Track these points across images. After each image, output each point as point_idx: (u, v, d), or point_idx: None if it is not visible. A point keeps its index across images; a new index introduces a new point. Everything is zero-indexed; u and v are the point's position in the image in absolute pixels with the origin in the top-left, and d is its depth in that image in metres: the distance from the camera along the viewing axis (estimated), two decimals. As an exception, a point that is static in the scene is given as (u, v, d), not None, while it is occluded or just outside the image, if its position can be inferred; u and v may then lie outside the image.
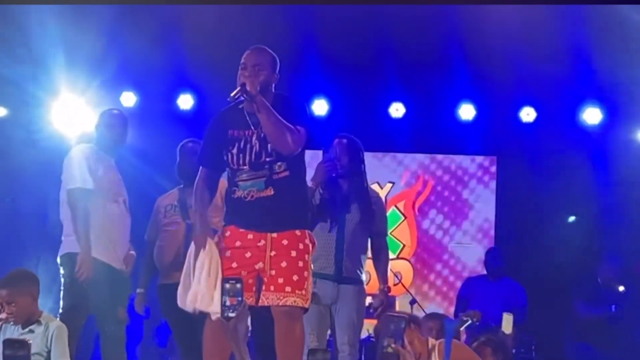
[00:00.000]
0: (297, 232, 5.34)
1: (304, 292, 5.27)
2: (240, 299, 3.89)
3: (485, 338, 5.54)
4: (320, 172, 6.67)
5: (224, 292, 3.90)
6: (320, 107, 10.56)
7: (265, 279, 5.25)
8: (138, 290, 7.22)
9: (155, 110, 10.48)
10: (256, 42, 5.57)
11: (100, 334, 6.83)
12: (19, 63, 9.26)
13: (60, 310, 6.78)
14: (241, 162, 5.38)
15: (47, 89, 9.57)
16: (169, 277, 6.79)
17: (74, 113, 9.83)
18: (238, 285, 3.92)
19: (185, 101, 10.60)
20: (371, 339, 8.69)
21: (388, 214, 10.89)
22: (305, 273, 5.29)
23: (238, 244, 5.32)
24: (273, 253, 5.27)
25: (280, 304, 5.22)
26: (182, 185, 7.14)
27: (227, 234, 5.39)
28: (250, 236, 5.31)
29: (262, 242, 5.29)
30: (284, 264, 5.25)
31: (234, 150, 5.39)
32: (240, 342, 3.87)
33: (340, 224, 6.69)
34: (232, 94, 5.23)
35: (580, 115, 10.45)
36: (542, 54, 9.60)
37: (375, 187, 10.90)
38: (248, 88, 5.19)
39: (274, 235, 5.29)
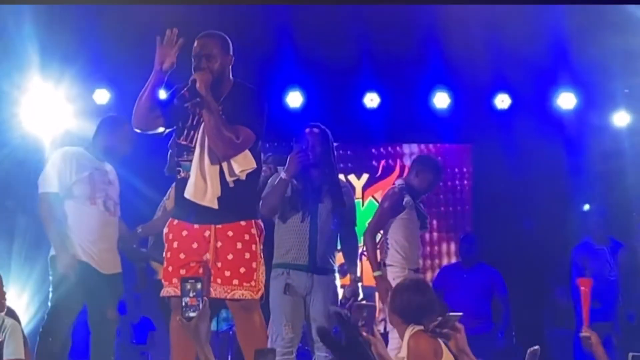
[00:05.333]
0: (242, 223, 5.31)
1: (252, 283, 5.28)
2: (200, 298, 3.87)
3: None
4: (293, 163, 6.65)
5: (183, 292, 3.88)
6: (294, 98, 10.50)
7: (213, 271, 5.25)
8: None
9: (131, 107, 10.39)
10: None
11: (91, 333, 6.86)
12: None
13: (48, 310, 6.78)
14: (188, 138, 5.33)
15: (20, 87, 9.49)
16: None
17: (48, 111, 9.75)
18: (198, 285, 3.90)
19: (161, 97, 10.49)
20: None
21: (365, 204, 10.99)
22: (254, 264, 5.29)
23: (185, 233, 5.32)
24: (219, 244, 5.27)
25: (229, 297, 5.24)
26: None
27: (175, 222, 5.37)
28: (196, 226, 5.30)
29: (208, 232, 5.29)
30: (230, 257, 5.25)
31: (187, 124, 5.35)
32: (202, 342, 3.85)
33: (313, 214, 6.71)
34: (181, 93, 5.20)
35: (555, 100, 10.44)
36: (516, 39, 9.58)
37: (351, 178, 10.91)
38: (197, 86, 5.15)
39: (219, 226, 5.27)
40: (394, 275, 7.13)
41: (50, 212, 6.72)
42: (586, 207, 9.85)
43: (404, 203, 7.31)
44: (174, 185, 6.84)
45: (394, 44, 9.83)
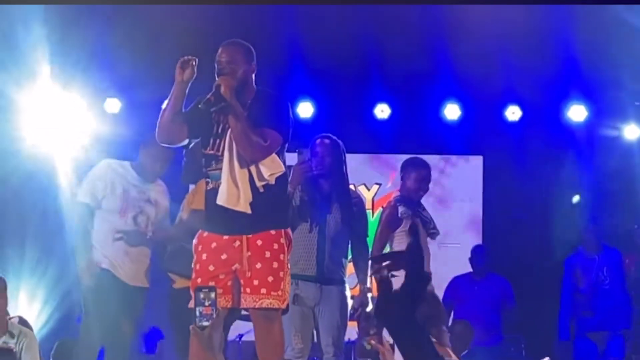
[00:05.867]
0: (272, 232, 5.30)
1: (279, 292, 5.24)
2: (214, 307, 3.86)
3: None
4: (295, 174, 6.64)
5: (197, 301, 3.87)
6: (305, 109, 10.52)
7: (242, 281, 5.22)
8: None
9: (142, 117, 10.40)
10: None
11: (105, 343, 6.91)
12: (1, 68, 9.20)
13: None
14: (215, 147, 5.34)
15: (31, 95, 9.51)
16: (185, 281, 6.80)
17: (58, 120, 9.78)
18: (212, 294, 3.89)
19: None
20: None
21: (375, 215, 10.96)
22: (281, 273, 5.25)
23: (214, 245, 5.28)
24: (249, 254, 5.23)
25: (257, 306, 5.20)
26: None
27: (204, 234, 5.36)
28: (225, 237, 5.28)
29: (237, 243, 5.25)
30: (258, 265, 5.21)
31: (212, 133, 5.35)
32: (216, 351, 3.84)
33: (322, 224, 6.69)
34: (206, 98, 5.18)
35: (566, 112, 10.45)
36: (527, 51, 9.60)
37: (362, 189, 10.90)
38: (222, 91, 5.17)
39: (249, 235, 5.27)
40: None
41: (79, 220, 6.90)
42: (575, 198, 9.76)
43: (399, 214, 7.22)
44: (187, 196, 6.90)
45: (405, 55, 9.83)
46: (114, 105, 10.39)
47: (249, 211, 5.22)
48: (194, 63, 5.23)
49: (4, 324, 6.31)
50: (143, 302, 7.08)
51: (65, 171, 8.64)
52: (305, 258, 6.63)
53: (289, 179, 6.45)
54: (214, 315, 3.87)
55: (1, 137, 9.61)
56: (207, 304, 3.89)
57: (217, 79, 5.23)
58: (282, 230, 5.36)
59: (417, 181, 7.29)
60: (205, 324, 3.86)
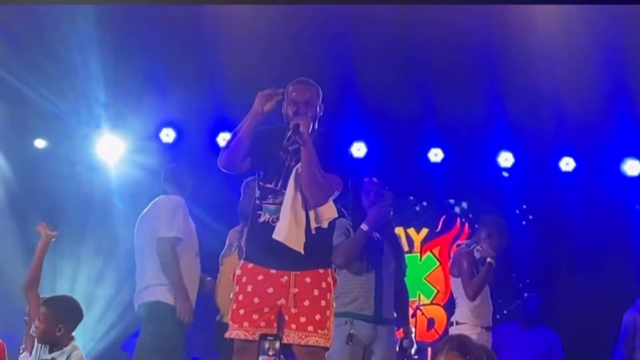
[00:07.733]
0: (320, 270, 5.32)
1: (326, 331, 5.26)
2: (277, 357, 3.86)
3: (450, 342, 5.52)
4: (376, 216, 6.67)
5: (262, 350, 3.86)
6: (358, 150, 10.54)
7: (287, 317, 5.23)
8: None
9: (195, 147, 10.50)
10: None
11: None
12: (59, 96, 9.35)
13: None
14: (274, 182, 5.36)
15: (88, 122, 9.64)
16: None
17: (115, 146, 9.90)
18: (277, 344, 3.89)
19: (225, 140, 10.54)
20: None
21: (423, 259, 10.96)
22: (328, 312, 5.29)
23: (260, 277, 5.29)
24: (296, 290, 5.25)
25: (302, 343, 5.20)
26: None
27: (250, 266, 5.36)
28: (272, 271, 5.29)
29: (285, 278, 5.27)
30: (306, 303, 5.23)
31: (274, 168, 5.37)
32: None
33: (377, 265, 6.73)
34: (286, 140, 5.19)
35: (620, 166, 10.41)
36: (583, 103, 9.59)
37: (411, 231, 10.90)
38: (301, 130, 5.17)
39: (297, 272, 5.28)
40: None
41: (172, 255, 6.95)
42: None
43: (477, 259, 7.48)
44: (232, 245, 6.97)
45: (461, 101, 9.85)
46: (169, 134, 10.46)
47: (302, 252, 5.24)
48: (277, 98, 5.28)
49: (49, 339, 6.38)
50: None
51: (121, 196, 8.74)
52: (362, 297, 6.64)
53: (367, 220, 6.53)
54: None
55: (61, 162, 9.75)
56: (270, 353, 3.88)
57: (293, 118, 5.26)
58: (329, 270, 5.38)
59: (500, 244, 7.55)
60: None
